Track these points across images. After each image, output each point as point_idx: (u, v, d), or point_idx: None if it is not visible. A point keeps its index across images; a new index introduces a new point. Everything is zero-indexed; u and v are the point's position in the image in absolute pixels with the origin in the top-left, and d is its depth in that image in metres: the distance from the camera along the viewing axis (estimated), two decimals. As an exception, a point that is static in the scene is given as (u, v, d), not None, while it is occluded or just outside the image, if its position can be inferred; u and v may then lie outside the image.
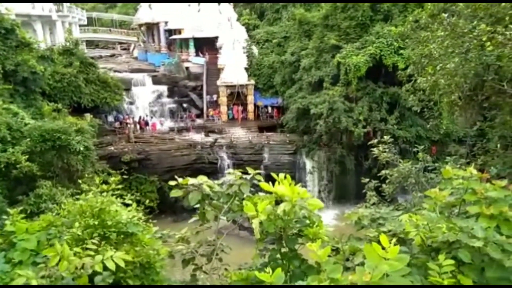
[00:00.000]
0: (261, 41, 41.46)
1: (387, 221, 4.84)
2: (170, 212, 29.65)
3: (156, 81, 39.88)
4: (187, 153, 31.56)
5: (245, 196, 5.33)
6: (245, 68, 38.19)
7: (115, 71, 39.90)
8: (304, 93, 33.37)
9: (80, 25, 50.50)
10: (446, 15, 10.67)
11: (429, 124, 20.05)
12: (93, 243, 3.40)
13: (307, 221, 5.06)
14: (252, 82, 37.68)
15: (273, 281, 2.68)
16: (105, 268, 2.92)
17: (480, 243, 2.82)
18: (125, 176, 20.61)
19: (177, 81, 40.71)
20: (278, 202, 4.61)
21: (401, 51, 29.02)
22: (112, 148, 30.36)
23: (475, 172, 3.79)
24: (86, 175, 13.92)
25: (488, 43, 7.18)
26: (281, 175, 4.73)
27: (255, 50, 40.13)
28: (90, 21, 56.64)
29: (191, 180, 4.93)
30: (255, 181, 5.43)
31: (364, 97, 31.10)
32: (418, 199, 8.84)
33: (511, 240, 2.89)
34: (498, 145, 10.72)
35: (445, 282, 2.57)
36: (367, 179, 10.56)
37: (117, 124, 34.19)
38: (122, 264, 2.90)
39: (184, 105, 39.33)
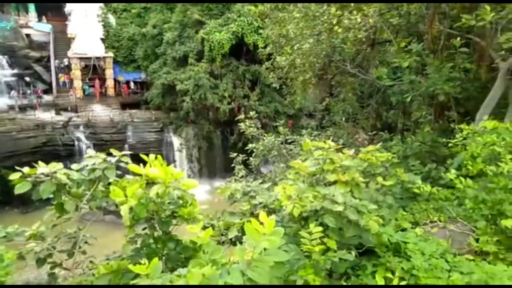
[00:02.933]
0: (118, 10, 38.01)
1: (257, 194, 5.07)
2: (17, 203, 25.59)
3: (-15, 49, 32.95)
4: (34, 135, 27.37)
5: (110, 180, 4.86)
6: (102, 39, 34.67)
7: None
8: (169, 69, 32.31)
9: None
10: (301, -2, 11.52)
11: (287, 100, 21.79)
12: None
13: (181, 201, 4.93)
14: (111, 54, 34.54)
15: (149, 272, 2.49)
16: None
17: (341, 208, 3.17)
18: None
19: (14, 50, 34.40)
20: (147, 184, 4.35)
21: (261, 31, 30.43)
22: None
23: (333, 144, 4.21)
24: None
25: (337, 27, 8.07)
26: (151, 155, 4.47)
27: (112, 19, 36.64)
28: None
29: (40, 169, 4.22)
30: (121, 164, 5.00)
31: (228, 74, 31.86)
32: (280, 169, 9.57)
33: (364, 202, 3.33)
34: (343, 119, 12.37)
35: (316, 249, 2.79)
36: (236, 154, 10.93)
37: None
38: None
39: (27, 79, 33.71)
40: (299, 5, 11.86)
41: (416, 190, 4.59)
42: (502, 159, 4.24)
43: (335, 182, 4.18)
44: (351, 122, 13.56)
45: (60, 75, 33.89)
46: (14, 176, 4.07)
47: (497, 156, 4.65)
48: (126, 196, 4.15)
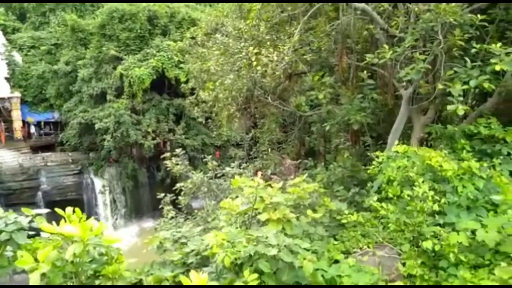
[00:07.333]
0: (25, 47, 35.42)
1: (189, 240, 4.83)
2: None
3: None
4: None
5: (21, 243, 4.27)
6: (6, 78, 31.78)
7: None
8: (86, 107, 30.56)
9: None
10: (219, 35, 11.77)
11: (214, 133, 21.75)
12: None
13: (105, 258, 4.49)
14: (17, 94, 31.72)
15: None
16: None
17: (275, 251, 3.11)
18: None
19: None
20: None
21: (182, 65, 30.43)
22: None
23: (262, 182, 4.20)
24: None
25: (255, 63, 8.36)
26: (69, 209, 4.07)
27: (17, 57, 33.94)
28: None
29: None
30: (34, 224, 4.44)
31: (151, 109, 31.04)
32: (212, 206, 9.36)
33: (297, 241, 3.33)
34: (269, 149, 12.64)
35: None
36: (163, 194, 10.46)
37: None
38: None
39: None
40: (218, 41, 12.10)
41: (344, 220, 4.75)
42: (415, 182, 4.60)
43: (267, 221, 4.15)
44: (276, 151, 13.90)
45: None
46: None
47: (411, 178, 5.04)
48: (37, 261, 3.65)
